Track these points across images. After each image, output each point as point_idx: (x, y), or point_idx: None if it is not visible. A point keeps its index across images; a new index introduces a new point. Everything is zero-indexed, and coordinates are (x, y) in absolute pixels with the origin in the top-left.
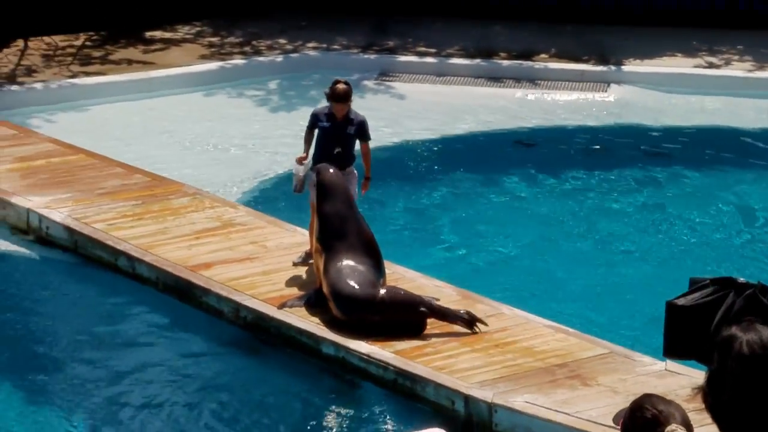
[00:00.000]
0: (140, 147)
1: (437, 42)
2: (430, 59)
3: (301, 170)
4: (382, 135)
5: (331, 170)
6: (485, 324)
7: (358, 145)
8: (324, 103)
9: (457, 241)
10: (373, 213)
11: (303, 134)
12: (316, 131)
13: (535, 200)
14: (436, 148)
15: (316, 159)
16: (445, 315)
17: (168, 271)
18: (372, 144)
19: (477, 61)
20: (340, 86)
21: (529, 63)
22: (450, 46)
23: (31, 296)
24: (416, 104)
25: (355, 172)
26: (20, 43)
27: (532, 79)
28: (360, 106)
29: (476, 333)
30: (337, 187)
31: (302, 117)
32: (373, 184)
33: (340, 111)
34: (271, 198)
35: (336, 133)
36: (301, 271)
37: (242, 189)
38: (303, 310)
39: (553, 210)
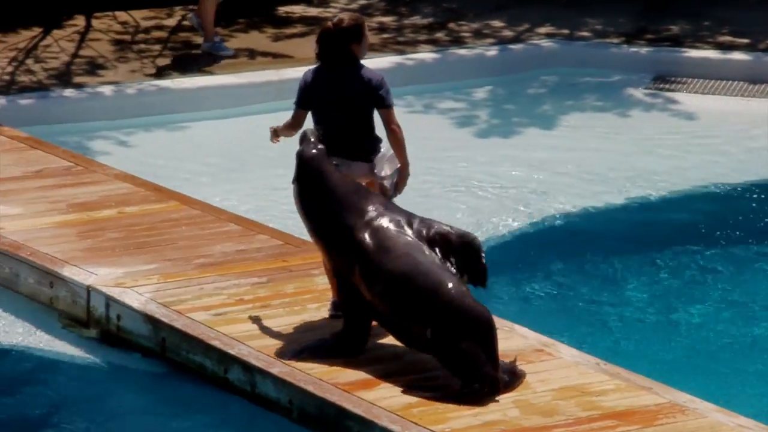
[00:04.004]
0: (267, 188)
1: (754, 26)
2: (739, 55)
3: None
4: (660, 176)
5: None
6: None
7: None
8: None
9: None
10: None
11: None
12: None
13: None
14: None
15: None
16: None
17: (308, 391)
18: (635, 189)
19: None
20: None
21: None
22: None
23: (93, 428)
24: (716, 128)
25: None
26: (79, 21)
27: None
28: (623, 126)
29: None
30: None
31: (528, 143)
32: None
33: None
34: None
35: None
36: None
37: None
38: None
39: None
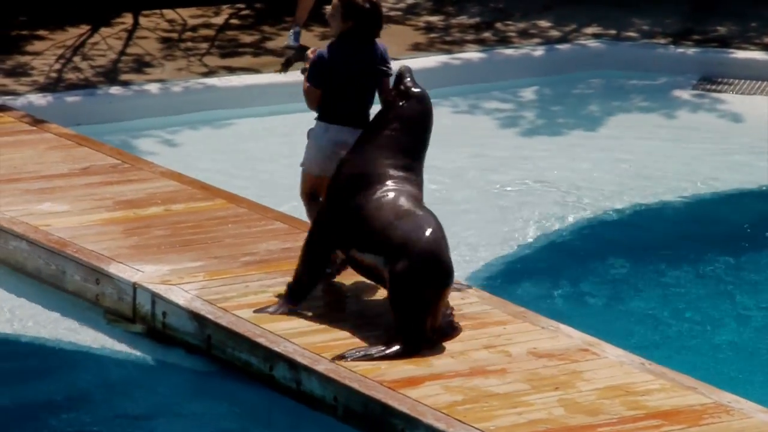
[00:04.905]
0: None
1: None
2: None
3: None
4: (706, 176)
5: None
6: None
7: None
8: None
9: None
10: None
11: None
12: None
13: None
14: None
15: None
16: None
17: (353, 389)
18: (682, 191)
19: None
20: None
21: None
22: None
23: (138, 425)
24: (763, 128)
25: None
26: (127, 19)
27: None
28: (669, 126)
29: None
30: None
31: (574, 143)
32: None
33: None
34: (518, 276)
35: None
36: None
37: (476, 260)
38: None
39: None
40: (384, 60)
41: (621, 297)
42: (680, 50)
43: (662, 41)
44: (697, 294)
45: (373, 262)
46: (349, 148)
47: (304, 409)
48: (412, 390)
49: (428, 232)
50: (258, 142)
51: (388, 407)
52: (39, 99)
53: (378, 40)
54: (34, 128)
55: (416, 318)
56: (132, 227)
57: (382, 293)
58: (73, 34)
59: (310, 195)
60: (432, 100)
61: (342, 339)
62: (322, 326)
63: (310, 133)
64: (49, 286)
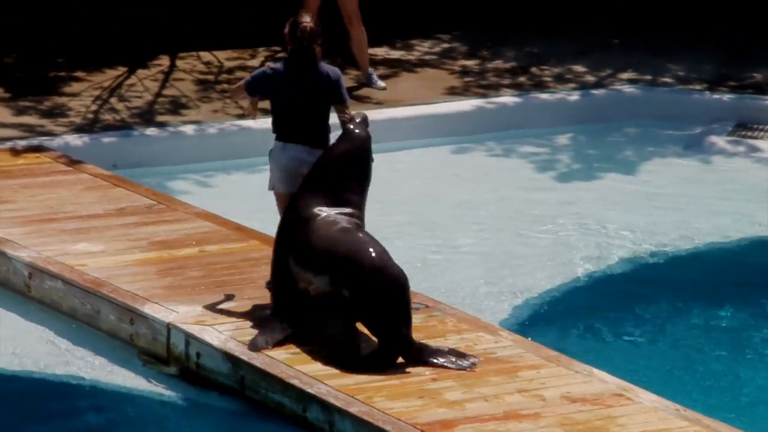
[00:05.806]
0: None
1: None
2: None
3: None
4: (741, 222)
5: None
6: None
7: None
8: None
9: None
10: None
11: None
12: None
13: None
14: None
15: None
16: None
17: (386, 431)
18: (718, 237)
19: None
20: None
21: None
22: None
23: None
24: None
25: None
26: (164, 61)
27: None
28: (704, 172)
29: None
30: None
31: (609, 189)
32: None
33: None
34: (552, 319)
35: None
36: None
37: (510, 303)
38: None
39: None
40: (331, 83)
41: (655, 342)
42: (716, 96)
43: (698, 87)
44: (733, 340)
45: (323, 286)
46: (308, 166)
47: None
48: None
49: (372, 248)
50: None
51: None
52: (75, 140)
53: (330, 66)
54: (71, 169)
55: (391, 325)
56: (166, 268)
57: (414, 335)
58: (110, 75)
59: None
60: (467, 145)
61: (375, 381)
62: (376, 373)
63: (271, 154)
64: (83, 326)
